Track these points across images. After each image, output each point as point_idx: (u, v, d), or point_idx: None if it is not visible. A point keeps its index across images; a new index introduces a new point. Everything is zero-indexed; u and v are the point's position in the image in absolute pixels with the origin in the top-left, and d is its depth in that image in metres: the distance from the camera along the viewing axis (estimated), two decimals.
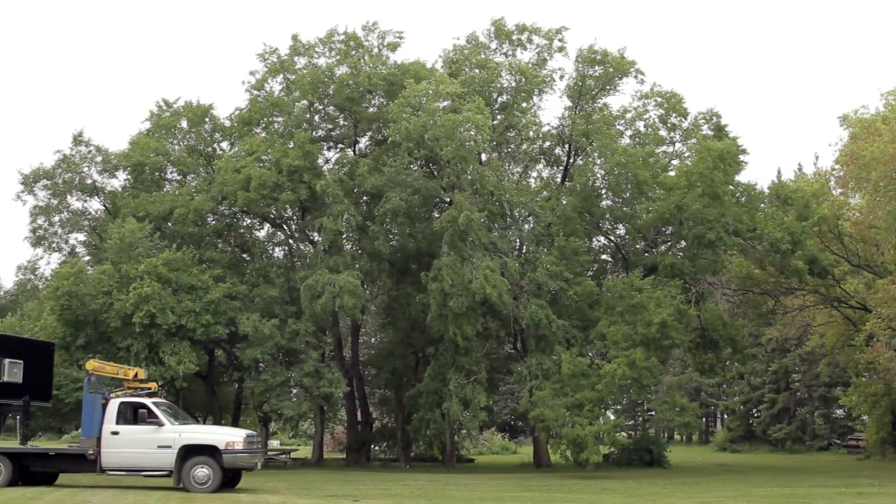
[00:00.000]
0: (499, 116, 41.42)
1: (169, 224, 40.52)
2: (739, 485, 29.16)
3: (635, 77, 41.66)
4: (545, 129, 43.07)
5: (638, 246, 42.53)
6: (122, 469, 23.95)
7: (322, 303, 35.64)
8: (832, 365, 53.11)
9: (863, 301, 39.94)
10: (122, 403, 24.38)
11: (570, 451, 35.04)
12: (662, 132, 42.62)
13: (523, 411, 37.35)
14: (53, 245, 43.36)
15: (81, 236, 44.24)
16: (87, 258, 42.90)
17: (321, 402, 39.08)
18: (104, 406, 24.25)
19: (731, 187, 38.25)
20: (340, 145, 44.31)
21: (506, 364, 47.80)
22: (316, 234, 41.00)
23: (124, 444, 23.74)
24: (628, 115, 42.48)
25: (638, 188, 39.45)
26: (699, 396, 75.70)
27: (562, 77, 42.56)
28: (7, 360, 26.07)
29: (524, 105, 41.62)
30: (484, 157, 40.93)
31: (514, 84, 41.56)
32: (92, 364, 25.34)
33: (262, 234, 45.91)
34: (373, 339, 56.92)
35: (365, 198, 41.09)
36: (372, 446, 47.47)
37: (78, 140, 42.39)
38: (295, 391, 40.79)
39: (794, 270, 36.76)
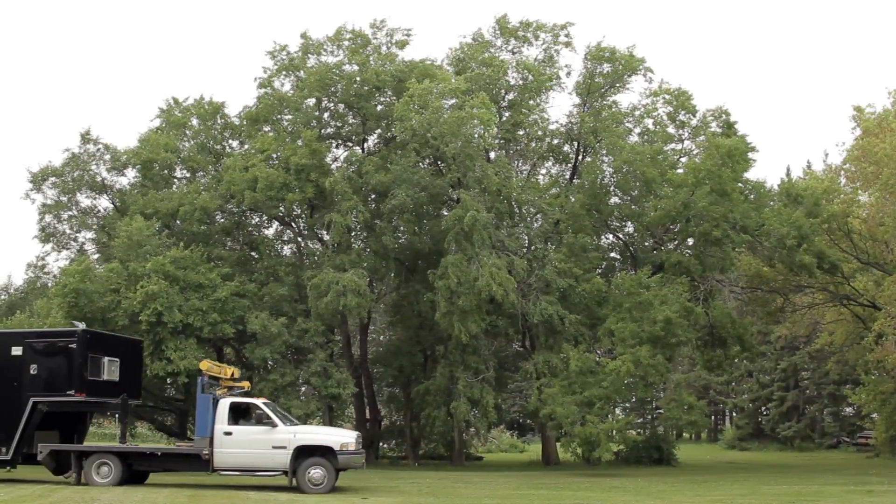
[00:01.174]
0: (506, 114, 41.38)
1: (177, 222, 40.58)
2: (748, 483, 29.11)
3: (644, 75, 41.64)
4: (553, 126, 43.04)
5: (646, 244, 42.49)
6: (234, 469, 24.22)
7: (327, 301, 35.62)
8: (841, 363, 52.92)
9: (872, 299, 39.78)
10: (233, 403, 24.56)
11: (583, 449, 35.05)
12: (671, 129, 42.60)
13: (533, 409, 37.32)
14: (62, 243, 43.42)
15: (90, 234, 44.31)
16: (95, 256, 42.95)
17: (329, 402, 39.11)
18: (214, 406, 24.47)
19: (740, 185, 38.16)
20: (349, 143, 44.30)
21: (514, 362, 47.78)
22: (324, 231, 41.00)
23: (238, 444, 23.92)
24: (637, 113, 42.43)
25: (646, 186, 39.40)
26: (708, 394, 75.57)
27: (569, 74, 42.56)
28: (106, 359, 26.25)
29: (531, 102, 41.54)
30: (493, 154, 40.90)
31: (520, 81, 41.50)
32: (206, 364, 25.56)
33: (270, 232, 45.94)
34: (381, 337, 56.91)
35: (373, 196, 41.09)
36: (380, 444, 47.48)
37: (86, 138, 42.43)
38: (304, 389, 40.79)
39: (802, 266, 36.64)
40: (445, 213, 39.07)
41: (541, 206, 40.03)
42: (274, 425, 23.96)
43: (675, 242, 41.49)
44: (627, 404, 69.20)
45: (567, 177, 43.63)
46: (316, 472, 23.35)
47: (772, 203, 39.21)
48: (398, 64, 41.27)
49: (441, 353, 38.45)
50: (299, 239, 44.45)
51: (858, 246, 40.28)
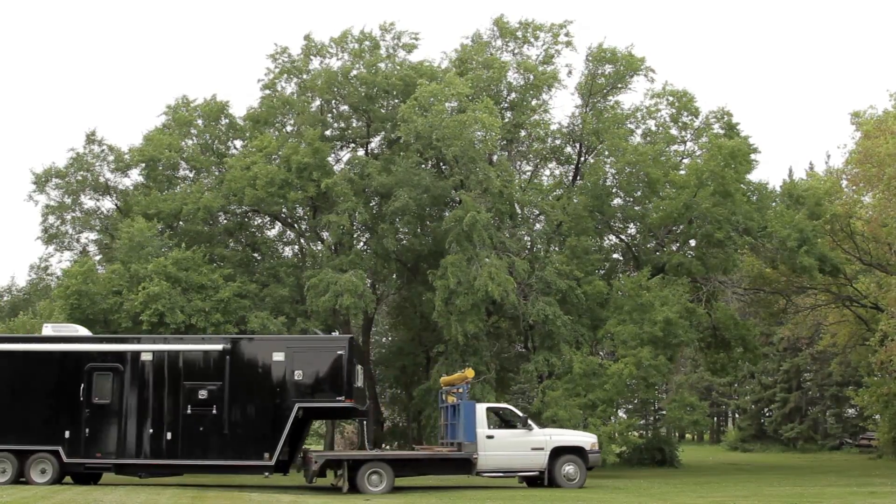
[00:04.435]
0: (508, 115, 41.34)
1: (180, 223, 40.54)
2: (751, 484, 29.08)
3: (646, 75, 41.58)
4: (555, 126, 42.96)
5: (649, 245, 42.43)
6: (496, 471, 26.12)
7: (324, 300, 35.58)
8: (844, 364, 52.90)
9: (875, 300, 39.75)
10: (489, 408, 26.94)
11: None
12: (674, 131, 42.53)
13: (536, 411, 37.28)
14: (65, 244, 43.38)
15: (93, 235, 44.30)
16: (98, 257, 42.93)
17: None
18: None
19: (743, 186, 38.14)
20: (353, 144, 44.26)
21: (517, 363, 47.72)
22: (326, 232, 40.98)
23: (499, 447, 25.92)
24: (639, 114, 42.38)
25: (649, 187, 39.37)
26: (710, 395, 75.51)
27: (570, 73, 42.50)
28: (359, 366, 26.58)
29: (534, 102, 41.50)
30: (495, 157, 40.86)
31: (521, 82, 41.45)
32: (471, 371, 27.20)
33: (272, 233, 45.88)
34: (384, 339, 56.90)
35: (375, 198, 41.04)
36: (383, 445, 47.40)
37: (91, 139, 42.41)
38: None
39: (803, 268, 36.61)
40: (448, 215, 39.06)
41: (543, 208, 39.96)
42: (531, 428, 26.37)
43: (678, 244, 41.43)
44: (630, 405, 69.17)
45: (570, 178, 43.58)
46: (570, 468, 25.95)
47: (774, 204, 39.19)
48: (405, 67, 41.22)
49: (440, 351, 38.37)
50: (301, 240, 44.41)
51: (861, 247, 40.23)
